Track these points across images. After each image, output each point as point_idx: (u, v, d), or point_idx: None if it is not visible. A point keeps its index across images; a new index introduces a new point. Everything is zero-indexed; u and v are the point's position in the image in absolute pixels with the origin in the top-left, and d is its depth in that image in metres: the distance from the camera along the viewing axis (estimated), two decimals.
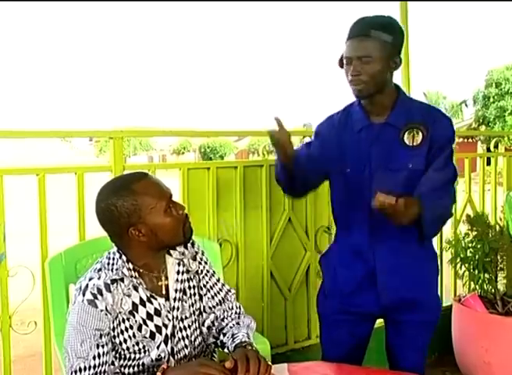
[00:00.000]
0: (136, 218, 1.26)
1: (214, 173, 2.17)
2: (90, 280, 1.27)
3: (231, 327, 1.44)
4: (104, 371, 1.24)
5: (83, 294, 1.24)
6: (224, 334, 1.43)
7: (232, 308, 1.50)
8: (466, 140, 20.24)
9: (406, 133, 1.61)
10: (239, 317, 1.48)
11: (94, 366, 1.22)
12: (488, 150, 3.18)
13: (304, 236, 2.40)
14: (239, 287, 2.24)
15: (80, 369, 1.22)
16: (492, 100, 23.95)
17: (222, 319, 1.47)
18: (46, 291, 1.69)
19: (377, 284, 1.66)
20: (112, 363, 1.27)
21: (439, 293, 1.79)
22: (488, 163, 3.14)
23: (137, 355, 1.32)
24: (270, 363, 1.26)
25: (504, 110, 23.43)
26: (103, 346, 1.24)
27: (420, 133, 1.60)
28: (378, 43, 1.55)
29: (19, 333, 1.81)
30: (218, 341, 1.44)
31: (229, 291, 1.52)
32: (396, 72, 1.66)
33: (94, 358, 1.22)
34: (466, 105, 30.02)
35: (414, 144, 1.60)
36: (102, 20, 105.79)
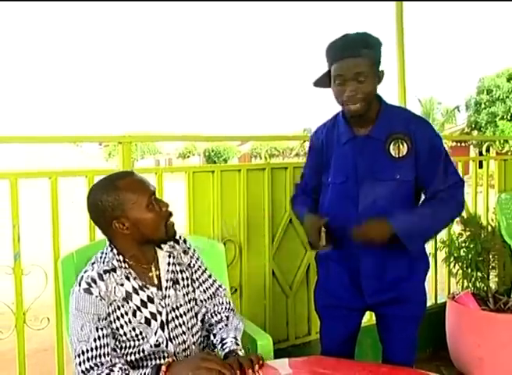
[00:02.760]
0: (119, 212, 1.35)
1: (218, 175, 2.23)
2: (85, 272, 1.38)
3: (220, 329, 1.50)
4: (107, 353, 1.30)
5: (79, 285, 1.35)
6: (214, 335, 1.50)
7: (223, 304, 1.57)
8: (459, 144, 20.32)
9: (391, 145, 1.63)
10: (227, 317, 1.54)
11: (96, 348, 1.29)
12: (481, 154, 3.24)
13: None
14: (242, 286, 2.30)
15: (83, 352, 1.28)
16: (483, 106, 24.06)
17: (212, 315, 1.54)
18: (58, 289, 1.73)
19: (361, 287, 1.71)
20: (114, 350, 1.33)
21: (426, 288, 1.80)
22: (481, 166, 3.21)
23: (136, 342, 1.39)
24: (261, 357, 1.34)
25: (495, 116, 23.54)
26: (102, 329, 1.32)
27: (405, 144, 1.62)
28: (369, 61, 1.56)
29: (33, 329, 1.86)
30: (210, 341, 1.51)
31: (220, 286, 1.59)
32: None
33: (94, 340, 1.30)
34: (459, 111, 30.16)
35: (400, 155, 1.63)
36: (112, 27, 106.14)
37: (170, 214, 1.43)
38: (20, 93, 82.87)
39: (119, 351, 1.37)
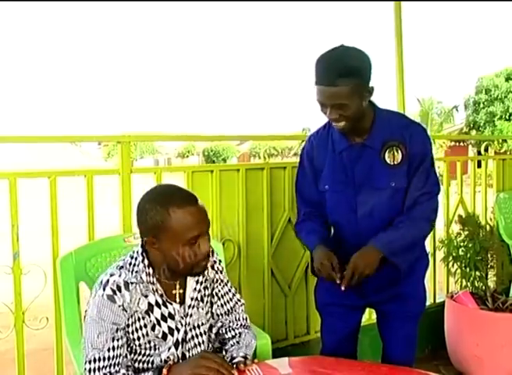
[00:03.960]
0: (155, 234, 1.28)
1: (217, 175, 2.23)
2: (111, 275, 1.32)
3: (232, 345, 1.48)
4: (118, 363, 1.29)
5: (104, 289, 1.29)
6: (225, 351, 1.48)
7: (239, 320, 1.54)
8: (458, 144, 20.40)
9: (386, 152, 1.64)
10: (240, 335, 1.52)
11: (109, 358, 1.28)
12: (479, 153, 3.24)
13: None
14: (241, 285, 2.30)
15: (95, 360, 1.27)
16: (482, 106, 24.14)
17: (226, 330, 1.52)
18: (57, 289, 1.75)
19: (362, 287, 1.71)
20: (125, 356, 1.32)
21: (426, 286, 1.82)
22: (479, 166, 3.21)
23: (148, 352, 1.37)
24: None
25: (493, 115, 23.62)
26: (118, 340, 1.30)
27: (399, 152, 1.63)
28: (347, 89, 1.51)
29: (32, 329, 1.86)
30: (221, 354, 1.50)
31: (239, 300, 1.56)
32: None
33: (108, 350, 1.28)
34: (457, 111, 30.22)
35: (395, 162, 1.63)
36: (112, 27, 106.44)
37: (208, 256, 1.34)
38: (19, 93, 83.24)
39: (129, 356, 1.36)
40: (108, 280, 1.31)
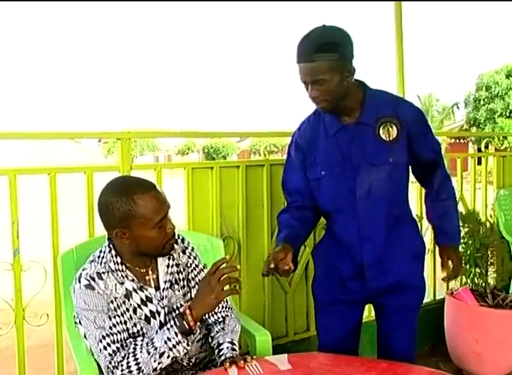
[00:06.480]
0: (125, 224, 1.34)
1: (217, 172, 2.22)
2: (83, 270, 1.39)
3: (217, 332, 1.51)
4: (126, 338, 1.34)
5: (79, 282, 1.37)
6: (211, 338, 1.51)
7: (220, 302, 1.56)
8: (458, 140, 20.35)
9: (381, 129, 1.62)
10: (224, 319, 1.54)
11: (114, 334, 1.33)
12: (479, 150, 3.24)
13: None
14: (241, 282, 2.30)
15: (104, 337, 1.32)
16: (482, 103, 24.12)
17: (209, 315, 1.54)
18: (58, 285, 1.75)
19: (364, 277, 1.70)
20: (129, 336, 1.37)
21: (425, 277, 1.81)
22: (479, 163, 3.20)
23: (138, 338, 1.40)
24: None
25: (494, 112, 23.60)
26: (115, 317, 1.35)
27: (394, 127, 1.62)
28: (324, 64, 1.51)
29: (32, 325, 1.86)
30: (208, 342, 1.52)
31: None
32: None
33: (110, 328, 1.33)
34: (458, 108, 30.20)
35: (391, 138, 1.62)
36: (112, 24, 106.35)
37: (173, 235, 1.43)
38: (20, 89, 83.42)
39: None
40: (81, 274, 1.39)
